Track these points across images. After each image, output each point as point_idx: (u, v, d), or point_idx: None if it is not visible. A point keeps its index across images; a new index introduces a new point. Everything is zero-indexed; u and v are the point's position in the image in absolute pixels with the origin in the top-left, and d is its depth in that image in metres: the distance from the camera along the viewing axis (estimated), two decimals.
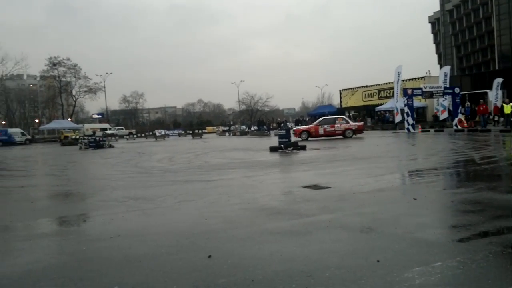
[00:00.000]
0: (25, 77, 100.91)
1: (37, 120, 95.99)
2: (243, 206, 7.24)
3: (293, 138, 23.62)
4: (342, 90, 66.64)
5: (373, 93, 59.29)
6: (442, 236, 4.94)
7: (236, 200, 7.82)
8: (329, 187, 8.66)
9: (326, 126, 29.19)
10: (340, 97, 67.20)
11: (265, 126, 53.55)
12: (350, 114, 59.02)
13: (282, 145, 19.88)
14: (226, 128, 65.43)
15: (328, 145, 22.68)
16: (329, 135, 28.96)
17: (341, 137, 28.53)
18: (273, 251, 4.53)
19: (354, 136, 28.67)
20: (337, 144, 23.19)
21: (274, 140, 25.01)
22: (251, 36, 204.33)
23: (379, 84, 58.60)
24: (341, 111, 64.39)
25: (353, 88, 64.31)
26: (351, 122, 30.99)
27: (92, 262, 4.51)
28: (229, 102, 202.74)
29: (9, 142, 53.94)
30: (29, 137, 60.97)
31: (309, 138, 28.47)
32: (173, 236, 5.41)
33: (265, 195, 8.22)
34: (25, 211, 7.92)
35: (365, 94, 60.99)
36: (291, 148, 19.46)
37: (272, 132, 44.64)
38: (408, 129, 31.75)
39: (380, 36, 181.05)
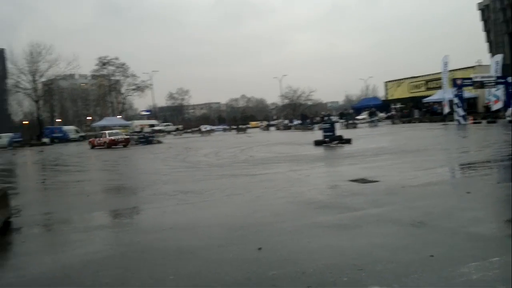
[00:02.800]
0: (77, 76, 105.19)
1: (89, 118, 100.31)
2: (290, 200, 7.29)
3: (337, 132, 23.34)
4: (387, 82, 64.89)
5: (420, 84, 57.31)
6: (497, 230, 4.78)
7: (283, 194, 7.87)
8: (377, 181, 8.53)
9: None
10: (386, 89, 65.52)
11: (308, 120, 53.11)
12: (396, 106, 57.53)
13: (327, 139, 19.70)
14: (268, 123, 65.57)
15: (375, 139, 22.24)
16: None
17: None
18: (323, 244, 4.56)
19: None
20: (384, 138, 22.69)
21: (318, 134, 24.82)
22: (294, 30, 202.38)
23: (426, 75, 56.55)
24: (386, 103, 62.85)
25: (399, 79, 62.44)
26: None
27: (147, 253, 4.72)
28: (272, 97, 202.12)
29: (64, 139, 56.84)
30: (82, 134, 63.89)
31: None
32: (222, 229, 5.55)
33: (312, 189, 8.22)
34: (82, 204, 8.36)
35: (412, 85, 59.06)
36: (336, 141, 19.26)
37: (316, 126, 44.23)
38: (458, 120, 30.51)
39: (427, 25, 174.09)
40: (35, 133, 64.34)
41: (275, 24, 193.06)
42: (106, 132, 35.60)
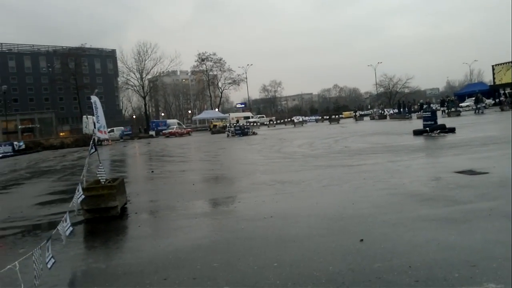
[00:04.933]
0: (178, 73, 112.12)
1: (189, 111, 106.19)
2: (390, 192, 7.07)
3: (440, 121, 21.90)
4: (495, 65, 58.96)
5: None
6: None
7: (382, 185, 7.65)
8: (487, 173, 7.90)
9: None
10: (493, 73, 59.62)
11: (406, 109, 50.47)
12: (506, 91, 52.19)
13: (427, 128, 18.61)
14: (361, 112, 63.61)
15: (482, 127, 20.51)
16: None
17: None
18: (429, 238, 4.37)
19: None
20: (493, 126, 20.81)
21: (416, 123, 23.55)
22: (391, 14, 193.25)
23: None
24: (494, 88, 57.34)
25: (508, 62, 56.45)
26: None
27: (251, 240, 4.93)
28: (366, 86, 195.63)
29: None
30: (184, 126, 67.87)
31: None
32: (322, 219, 5.58)
33: (413, 181, 7.87)
34: (188, 192, 8.94)
35: None
36: (438, 131, 18.10)
37: (414, 115, 41.91)
38: None
39: None
40: (143, 127, 69.92)
41: (371, 9, 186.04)
42: (174, 126, 55.60)
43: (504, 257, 3.64)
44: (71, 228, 4.98)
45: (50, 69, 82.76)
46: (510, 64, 55.47)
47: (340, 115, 62.38)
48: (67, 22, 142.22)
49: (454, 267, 3.53)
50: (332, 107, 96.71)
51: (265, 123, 65.88)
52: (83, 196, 5.79)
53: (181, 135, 49.81)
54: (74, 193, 5.80)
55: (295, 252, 4.35)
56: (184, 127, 58.37)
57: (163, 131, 53.65)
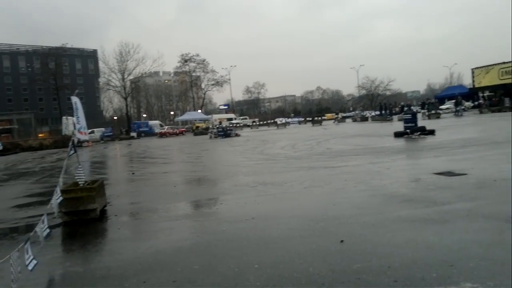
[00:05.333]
0: (161, 73, 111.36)
1: (172, 113, 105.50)
2: (371, 193, 7.13)
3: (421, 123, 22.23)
4: (475, 68, 60.33)
5: None
6: None
7: (363, 187, 7.72)
8: (465, 174, 8.05)
9: None
10: (472, 77, 60.96)
11: (387, 111, 51.13)
12: (484, 94, 53.36)
13: (408, 130, 18.88)
14: (344, 114, 64.28)
15: (461, 129, 20.91)
16: None
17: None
18: (408, 238, 4.42)
19: None
20: (472, 128, 21.23)
21: (397, 125, 23.86)
22: (373, 17, 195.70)
23: None
24: (473, 91, 58.55)
25: (487, 65, 57.78)
26: None
27: (232, 242, 4.91)
28: (348, 88, 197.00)
29: (150, 133, 60.38)
30: (165, 128, 67.37)
31: None
32: (304, 220, 5.59)
33: (394, 182, 7.96)
34: (169, 194, 8.88)
35: (503, 71, 54.30)
36: (418, 133, 18.38)
37: (395, 117, 42.48)
38: None
39: None
40: (124, 128, 69.16)
41: (354, 13, 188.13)
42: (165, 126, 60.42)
43: (481, 257, 3.70)
44: (48, 230, 4.88)
45: (29, 69, 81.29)
46: (489, 67, 56.79)
47: (323, 117, 62.83)
48: (47, 21, 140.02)
49: (432, 267, 3.58)
50: (315, 109, 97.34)
51: (248, 124, 65.91)
52: (61, 198, 5.69)
53: (172, 135, 52.40)
54: (53, 196, 5.69)
55: (276, 253, 4.35)
56: (166, 127, 60.43)
57: (158, 131, 56.89)
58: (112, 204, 8.02)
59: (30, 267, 3.89)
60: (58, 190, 5.66)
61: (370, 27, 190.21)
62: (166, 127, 60.16)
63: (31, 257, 3.94)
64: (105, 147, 37.05)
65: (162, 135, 52.89)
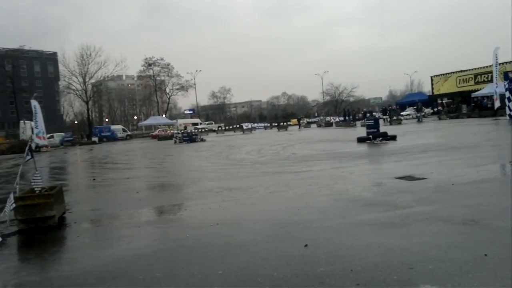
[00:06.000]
0: (124, 77, 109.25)
1: (135, 117, 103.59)
2: (335, 197, 7.23)
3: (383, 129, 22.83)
4: (434, 76, 62.76)
5: (469, 78, 55.06)
6: None
7: (327, 191, 7.82)
8: (425, 178, 8.30)
9: None
10: (432, 84, 63.39)
11: (351, 117, 52.26)
12: (443, 101, 55.49)
13: (371, 136, 19.34)
14: (308, 120, 65.35)
15: (421, 135, 21.60)
16: None
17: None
18: (370, 242, 4.49)
19: None
20: (431, 134, 21.98)
21: (360, 131, 24.40)
22: (338, 24, 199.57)
23: (475, 69, 54.32)
24: (432, 98, 60.79)
25: (446, 73, 60.26)
26: None
27: (196, 248, 4.84)
28: (313, 94, 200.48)
29: (112, 138, 59.05)
30: (129, 133, 66.11)
31: None
32: (268, 225, 5.59)
33: (356, 186, 8.11)
34: (131, 200, 8.66)
35: (460, 79, 56.83)
36: (380, 138, 18.87)
37: (358, 123, 43.47)
38: (510, 115, 28.98)
39: (477, 16, 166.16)
40: (85, 133, 67.27)
41: (319, 20, 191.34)
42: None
43: (439, 259, 3.81)
44: (0, 239, 4.64)
45: None
46: (448, 75, 59.11)
47: (289, 123, 63.43)
48: (4, 22, 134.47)
49: (393, 270, 3.64)
50: (280, 115, 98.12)
51: (214, 129, 65.63)
52: (14, 205, 5.44)
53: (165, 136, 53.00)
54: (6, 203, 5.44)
55: (241, 259, 4.32)
56: (158, 130, 62.36)
57: (151, 133, 61.05)
58: (71, 211, 7.75)
59: None
60: (11, 197, 5.41)
61: (335, 34, 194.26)
62: (158, 129, 62.54)
63: None
64: (65, 152, 35.87)
65: (154, 137, 54.65)
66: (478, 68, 53.65)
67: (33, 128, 6.66)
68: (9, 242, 5.83)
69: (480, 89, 48.24)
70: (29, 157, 6.90)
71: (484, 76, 50.97)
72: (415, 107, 48.19)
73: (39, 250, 5.43)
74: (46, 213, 6.43)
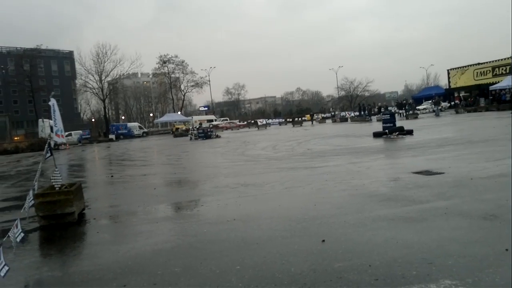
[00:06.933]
0: (139, 75, 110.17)
1: (151, 114, 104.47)
2: (351, 193, 7.19)
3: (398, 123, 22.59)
4: (451, 69, 61.74)
5: (487, 71, 54.00)
6: None
7: (344, 187, 7.79)
8: (443, 173, 8.19)
9: None
10: (448, 77, 62.38)
11: (366, 112, 51.80)
12: (460, 94, 54.57)
13: (387, 130, 19.15)
14: (323, 115, 65.14)
15: (438, 129, 21.31)
16: None
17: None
18: (388, 237, 4.47)
19: None
20: (448, 128, 21.66)
21: (376, 126, 24.19)
22: (353, 18, 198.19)
23: (493, 61, 53.25)
24: (449, 92, 59.86)
25: (463, 66, 59.21)
26: None
27: (213, 244, 4.87)
28: (328, 89, 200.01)
29: (129, 135, 59.65)
30: (145, 130, 66.66)
31: None
32: (285, 221, 5.60)
33: (373, 182, 8.05)
34: (149, 196, 8.75)
35: (477, 72, 55.78)
36: (397, 133, 18.67)
37: (373, 118, 43.06)
38: None
39: (495, 8, 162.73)
40: (102, 130, 68.13)
41: (333, 13, 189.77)
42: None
43: (459, 254, 3.77)
44: (22, 234, 4.75)
45: (3, 71, 79.21)
46: (465, 68, 58.11)
47: (303, 118, 63.19)
48: (21, 22, 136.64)
49: (411, 265, 3.62)
50: (295, 110, 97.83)
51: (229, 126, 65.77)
52: (33, 202, 5.54)
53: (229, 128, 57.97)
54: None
55: (258, 254, 4.33)
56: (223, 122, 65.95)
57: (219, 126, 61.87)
58: (90, 207, 7.88)
59: (2, 273, 3.78)
60: (31, 194, 5.51)
61: (349, 28, 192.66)
62: (223, 121, 66.37)
63: (3, 263, 3.82)
64: (83, 149, 36.40)
65: (223, 128, 57.49)
66: (496, 61, 52.62)
67: (52, 126, 6.73)
68: (31, 238, 5.96)
69: (499, 81, 47.31)
70: (48, 154, 7.02)
71: (503, 69, 50.00)
72: (432, 100, 47.44)
73: (60, 246, 5.54)
74: (66, 209, 6.55)
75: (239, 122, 66.47)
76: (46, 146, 7.07)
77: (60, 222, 6.54)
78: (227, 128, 58.12)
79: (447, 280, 3.25)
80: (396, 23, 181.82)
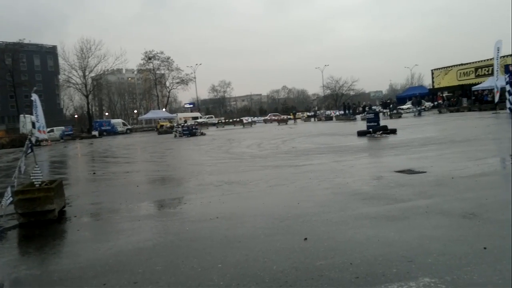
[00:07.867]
0: (124, 71, 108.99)
1: (135, 111, 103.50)
2: (335, 191, 7.23)
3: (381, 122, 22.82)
4: (434, 69, 62.67)
5: (469, 72, 54.96)
6: None
7: (327, 185, 7.82)
8: (424, 172, 8.30)
9: None
10: (432, 77, 63.32)
11: (351, 111, 52.15)
12: (443, 94, 55.37)
13: (371, 129, 19.33)
14: (308, 113, 65.51)
15: (421, 129, 21.58)
16: None
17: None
18: (370, 235, 4.50)
19: None
20: (431, 127, 21.94)
21: (360, 125, 24.39)
22: (339, 17, 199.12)
23: (476, 62, 54.22)
24: (432, 92, 60.69)
25: (446, 67, 60.15)
26: None
27: (195, 242, 4.85)
28: (313, 88, 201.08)
29: (112, 131, 59.01)
30: (129, 126, 66.02)
31: None
32: (268, 219, 5.60)
33: (356, 180, 8.11)
34: (132, 194, 8.66)
35: (460, 73, 56.73)
36: (380, 132, 18.85)
37: (358, 117, 43.40)
38: (510, 109, 28.94)
39: (479, 10, 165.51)
40: (85, 127, 67.20)
41: (319, 12, 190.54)
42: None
43: (439, 252, 3.81)
44: None
45: None
46: (448, 69, 58.97)
47: (289, 116, 63.31)
48: (3, 15, 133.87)
49: (392, 263, 3.65)
50: (280, 108, 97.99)
51: (214, 123, 65.54)
52: (11, 199, 5.43)
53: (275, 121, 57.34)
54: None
55: (240, 252, 4.32)
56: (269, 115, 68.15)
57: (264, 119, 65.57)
58: (71, 205, 7.76)
59: None
60: (9, 191, 5.40)
61: (335, 27, 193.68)
62: (270, 114, 68.59)
63: None
64: (65, 146, 35.84)
65: (266, 121, 61.98)
66: (479, 62, 53.58)
67: (34, 122, 6.63)
68: (9, 236, 5.85)
69: (481, 82, 48.16)
70: (29, 151, 6.89)
71: (485, 70, 50.91)
72: (411, 101, 48.09)
73: (39, 244, 5.44)
74: (46, 207, 6.44)
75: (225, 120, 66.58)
76: (26, 142, 6.94)
77: (40, 220, 6.42)
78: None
79: (426, 278, 3.29)
80: (383, 22, 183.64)
